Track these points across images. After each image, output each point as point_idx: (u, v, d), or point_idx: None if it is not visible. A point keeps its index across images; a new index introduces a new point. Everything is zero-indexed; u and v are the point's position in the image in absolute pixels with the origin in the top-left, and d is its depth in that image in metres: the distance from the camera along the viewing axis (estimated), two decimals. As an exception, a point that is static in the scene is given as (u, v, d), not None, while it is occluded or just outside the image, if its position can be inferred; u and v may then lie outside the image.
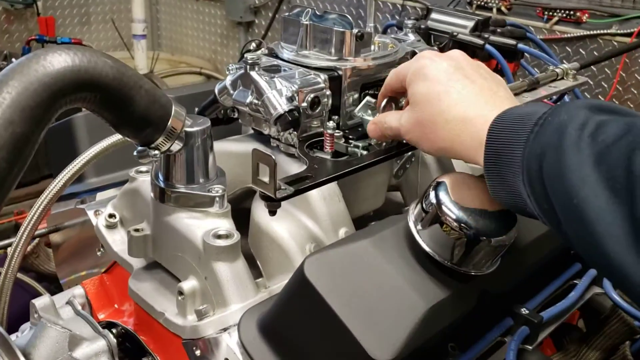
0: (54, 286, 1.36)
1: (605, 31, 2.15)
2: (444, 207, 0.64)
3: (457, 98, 0.67)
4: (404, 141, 0.86)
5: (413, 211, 0.68)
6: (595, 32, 2.17)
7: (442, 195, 0.65)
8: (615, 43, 2.15)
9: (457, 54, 0.74)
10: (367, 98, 0.86)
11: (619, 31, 2.13)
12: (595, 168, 0.51)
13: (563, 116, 0.56)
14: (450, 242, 0.65)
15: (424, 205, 0.67)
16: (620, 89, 2.18)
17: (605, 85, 2.22)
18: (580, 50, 2.24)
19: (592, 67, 2.16)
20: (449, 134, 0.67)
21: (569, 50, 2.26)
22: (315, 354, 0.63)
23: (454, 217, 0.63)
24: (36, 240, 1.21)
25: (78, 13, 3.62)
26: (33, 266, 1.27)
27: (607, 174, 0.51)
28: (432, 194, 0.66)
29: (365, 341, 0.58)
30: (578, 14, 2.20)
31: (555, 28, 2.27)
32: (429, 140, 0.70)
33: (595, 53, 2.19)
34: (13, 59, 2.50)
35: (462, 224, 0.63)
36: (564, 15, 2.23)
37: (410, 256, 0.67)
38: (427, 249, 0.66)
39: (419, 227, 0.67)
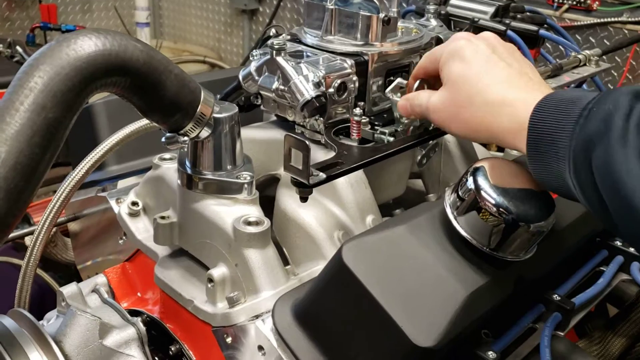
0: (59, 275, 1.36)
1: (616, 19, 2.14)
2: (483, 192, 0.63)
3: (496, 79, 0.67)
4: (430, 128, 0.86)
5: (449, 197, 0.68)
6: (605, 19, 2.16)
7: (481, 180, 0.64)
8: (626, 31, 2.13)
9: (491, 36, 0.74)
10: (399, 79, 0.85)
11: (630, 19, 2.12)
12: None
13: (609, 105, 0.56)
14: (489, 228, 0.64)
15: (460, 191, 0.66)
16: (631, 77, 2.17)
17: (615, 74, 2.21)
18: (591, 38, 2.22)
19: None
20: (486, 114, 0.66)
21: (579, 38, 2.25)
22: (353, 340, 0.63)
23: (493, 202, 0.63)
24: (54, 229, 1.20)
25: (80, 0, 3.59)
26: (50, 255, 1.26)
27: None
28: (470, 180, 0.65)
29: (407, 327, 0.58)
30: (589, 1, 2.19)
31: (565, 16, 2.25)
32: (461, 121, 0.69)
33: (605, 41, 2.18)
34: (17, 47, 2.47)
35: (502, 209, 0.63)
36: (574, 2, 2.22)
37: (447, 242, 0.66)
38: (464, 234, 0.65)
39: (456, 213, 0.66)
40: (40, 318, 0.87)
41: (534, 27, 1.13)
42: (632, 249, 0.88)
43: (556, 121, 0.58)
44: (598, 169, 0.54)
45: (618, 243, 0.90)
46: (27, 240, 1.26)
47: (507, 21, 1.14)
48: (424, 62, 0.78)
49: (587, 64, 1.07)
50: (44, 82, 0.59)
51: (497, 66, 0.68)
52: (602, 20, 2.17)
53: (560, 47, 1.28)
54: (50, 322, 0.82)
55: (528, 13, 1.22)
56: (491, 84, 0.66)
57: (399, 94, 0.84)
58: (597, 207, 0.56)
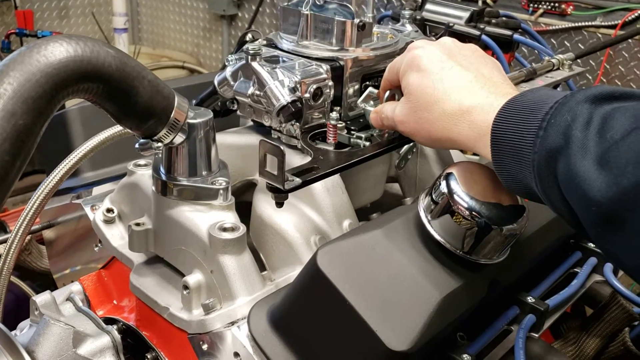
0: (37, 284, 1.34)
1: (589, 23, 2.17)
2: (455, 197, 0.64)
3: (452, 86, 0.66)
4: (404, 133, 0.86)
5: (423, 201, 0.68)
6: (580, 24, 2.19)
7: (454, 185, 0.64)
8: (600, 35, 2.17)
9: (447, 40, 0.74)
10: (370, 89, 0.85)
11: (603, 23, 2.15)
12: (604, 168, 0.50)
13: (566, 116, 0.55)
14: (462, 232, 0.64)
15: (433, 195, 0.67)
16: (605, 80, 2.21)
17: (590, 77, 2.24)
18: (565, 42, 2.26)
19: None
20: (446, 124, 0.66)
21: (554, 42, 2.28)
22: (329, 345, 0.63)
23: (465, 206, 0.63)
24: (28, 237, 1.18)
25: (57, 6, 3.55)
26: (25, 263, 1.24)
27: (617, 172, 0.50)
28: (443, 184, 0.65)
29: (381, 332, 0.58)
30: (563, 6, 2.22)
31: (540, 20, 2.29)
32: (424, 130, 0.69)
33: (580, 45, 2.21)
34: (-8, 53, 2.44)
35: (474, 213, 0.63)
36: (549, 7, 2.25)
37: (422, 246, 0.66)
38: (438, 238, 0.65)
39: (429, 217, 0.67)
40: (15, 328, 0.86)
41: (508, 32, 1.15)
42: (604, 250, 0.90)
43: (516, 132, 0.58)
44: (563, 183, 0.53)
45: (591, 245, 0.91)
46: (1, 249, 1.24)
47: (482, 26, 1.15)
48: (387, 75, 0.78)
49: (561, 68, 1.09)
50: (14, 89, 0.58)
51: (452, 71, 0.67)
52: (576, 24, 2.20)
53: (535, 51, 1.29)
54: (23, 331, 0.80)
55: (503, 18, 1.23)
56: (447, 91, 0.66)
57: (371, 103, 0.84)
58: (568, 217, 0.56)
